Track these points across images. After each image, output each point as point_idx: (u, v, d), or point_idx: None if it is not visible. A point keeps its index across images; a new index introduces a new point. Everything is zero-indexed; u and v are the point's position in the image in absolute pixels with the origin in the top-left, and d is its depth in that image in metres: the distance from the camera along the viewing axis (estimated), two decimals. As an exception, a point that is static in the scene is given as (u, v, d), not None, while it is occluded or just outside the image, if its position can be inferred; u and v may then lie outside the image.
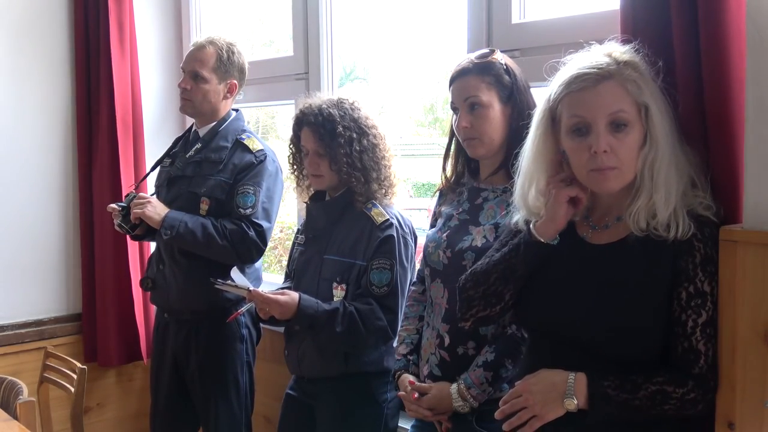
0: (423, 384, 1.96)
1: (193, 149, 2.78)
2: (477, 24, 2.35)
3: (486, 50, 1.93)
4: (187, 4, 3.69)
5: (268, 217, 2.70)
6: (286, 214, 3.97)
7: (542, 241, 1.57)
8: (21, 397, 2.45)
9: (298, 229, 2.56)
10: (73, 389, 2.79)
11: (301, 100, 2.43)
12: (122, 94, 3.38)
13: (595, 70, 1.48)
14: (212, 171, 2.72)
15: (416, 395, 1.94)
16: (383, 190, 2.32)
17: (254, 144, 2.75)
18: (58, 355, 3.04)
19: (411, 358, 2.05)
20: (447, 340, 1.93)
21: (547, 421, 1.49)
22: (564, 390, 1.48)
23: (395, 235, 2.26)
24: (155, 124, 3.64)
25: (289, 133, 2.47)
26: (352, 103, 2.32)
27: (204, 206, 2.69)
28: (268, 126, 4.33)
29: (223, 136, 2.77)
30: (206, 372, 2.76)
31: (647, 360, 1.49)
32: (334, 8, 2.98)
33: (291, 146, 2.44)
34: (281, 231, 4.02)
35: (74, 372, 2.82)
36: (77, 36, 3.45)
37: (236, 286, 2.29)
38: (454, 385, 1.89)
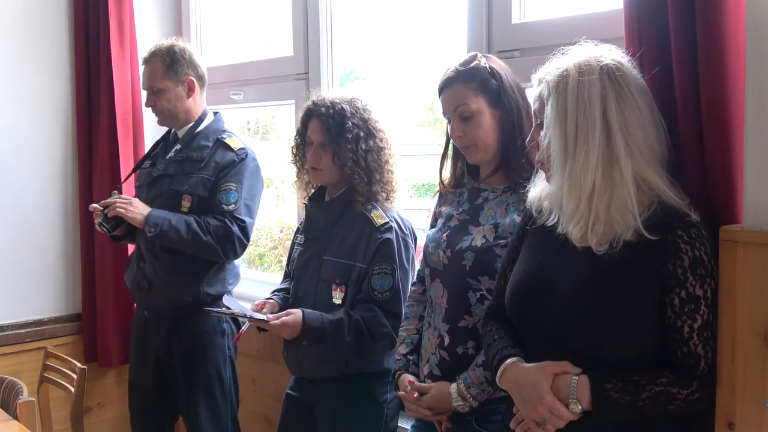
0: (423, 384, 1.96)
1: (173, 150, 2.84)
2: (477, 24, 2.35)
3: (469, 56, 1.93)
4: (187, 4, 3.69)
5: (251, 212, 2.77)
6: (287, 214, 3.97)
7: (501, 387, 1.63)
8: (21, 397, 2.45)
9: (298, 229, 2.56)
10: (73, 389, 2.79)
11: (313, 93, 2.42)
12: (122, 94, 3.38)
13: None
14: (194, 169, 2.78)
15: (416, 395, 1.94)
16: (384, 193, 2.32)
17: (235, 143, 2.82)
18: (58, 355, 3.04)
19: (411, 358, 2.05)
20: (447, 340, 1.92)
21: (547, 415, 1.50)
22: (541, 386, 1.49)
23: (394, 238, 2.26)
24: (155, 124, 3.60)
25: (293, 130, 2.46)
26: (365, 105, 2.32)
27: (186, 203, 2.76)
28: (268, 126, 4.32)
29: (204, 136, 2.84)
30: (189, 368, 2.81)
31: (640, 362, 1.48)
32: (334, 8, 2.98)
33: (297, 137, 2.42)
34: (281, 231, 4.02)
35: (74, 372, 2.82)
36: (77, 36, 3.46)
37: (233, 313, 2.31)
38: (454, 385, 1.88)
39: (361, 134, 2.28)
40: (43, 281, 3.45)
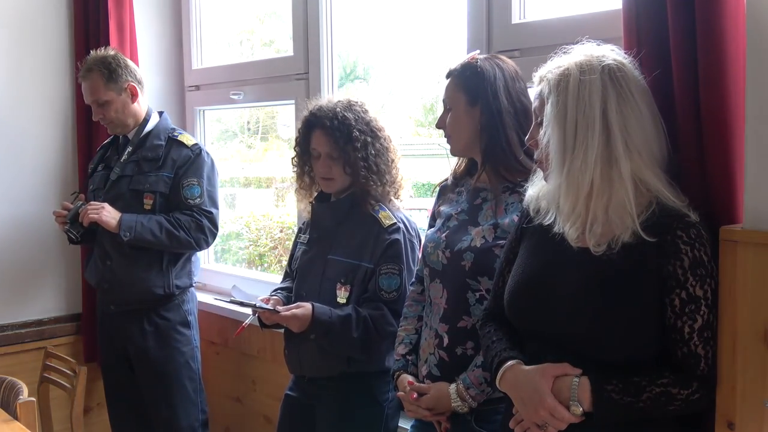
0: (422, 384, 1.96)
1: (126, 153, 2.92)
2: (477, 24, 2.35)
3: (473, 53, 1.95)
4: (187, 4, 3.68)
5: (215, 203, 2.93)
6: (287, 214, 3.97)
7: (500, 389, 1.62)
8: (21, 397, 2.45)
9: (300, 228, 2.56)
10: (73, 389, 2.79)
11: (308, 102, 2.42)
12: (122, 94, 3.38)
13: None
14: (152, 168, 2.88)
15: (415, 395, 1.94)
16: (393, 191, 2.35)
17: (188, 139, 2.95)
18: (58, 355, 3.04)
19: (410, 358, 2.05)
20: (446, 341, 1.92)
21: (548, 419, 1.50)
22: (542, 389, 1.49)
23: (402, 239, 2.27)
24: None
25: (293, 130, 2.46)
26: (363, 106, 2.33)
27: (148, 201, 2.86)
28: (268, 126, 4.31)
29: (156, 136, 2.94)
30: (158, 358, 2.90)
31: (640, 363, 1.48)
32: (334, 8, 2.98)
33: (296, 148, 2.42)
34: (281, 231, 4.02)
35: (74, 372, 2.82)
36: (77, 37, 3.45)
37: (241, 303, 2.34)
38: (453, 386, 1.88)
39: (368, 139, 2.29)
40: (43, 281, 3.45)
